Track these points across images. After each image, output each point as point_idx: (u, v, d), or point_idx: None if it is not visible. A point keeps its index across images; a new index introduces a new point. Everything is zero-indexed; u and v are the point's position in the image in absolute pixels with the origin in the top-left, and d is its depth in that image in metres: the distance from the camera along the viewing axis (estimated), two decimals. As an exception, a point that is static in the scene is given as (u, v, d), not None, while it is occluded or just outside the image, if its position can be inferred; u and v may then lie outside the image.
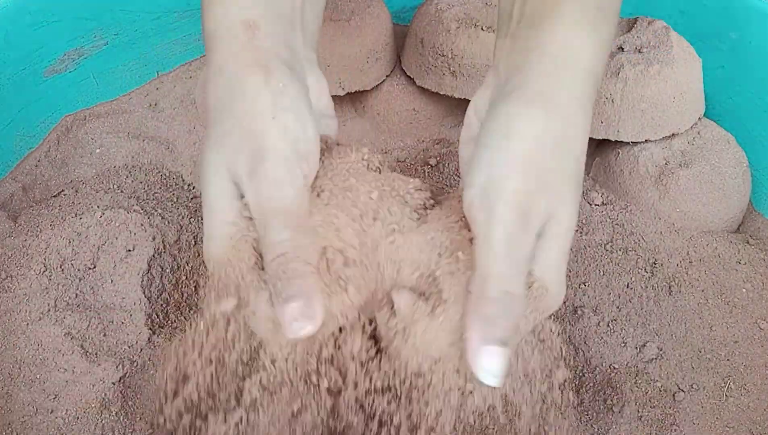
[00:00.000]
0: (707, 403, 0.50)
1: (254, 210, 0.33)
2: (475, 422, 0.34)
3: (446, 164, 0.66)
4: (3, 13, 0.60)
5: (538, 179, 0.33)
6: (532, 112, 0.34)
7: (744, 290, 0.55)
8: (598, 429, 0.49)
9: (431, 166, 0.66)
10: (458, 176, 0.64)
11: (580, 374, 0.51)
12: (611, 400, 0.50)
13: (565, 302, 0.55)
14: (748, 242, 0.59)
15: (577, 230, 0.58)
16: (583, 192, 0.62)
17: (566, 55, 0.35)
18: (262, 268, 0.33)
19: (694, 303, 0.54)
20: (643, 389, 0.50)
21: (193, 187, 0.64)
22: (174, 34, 0.73)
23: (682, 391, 0.50)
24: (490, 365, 0.31)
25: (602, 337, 0.53)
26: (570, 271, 0.57)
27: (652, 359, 0.52)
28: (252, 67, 0.34)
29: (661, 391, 0.50)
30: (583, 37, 0.36)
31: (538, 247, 0.33)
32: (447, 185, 0.64)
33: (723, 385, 0.51)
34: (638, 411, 0.49)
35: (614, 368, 0.52)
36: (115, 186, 0.62)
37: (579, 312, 0.54)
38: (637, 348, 0.52)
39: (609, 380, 0.51)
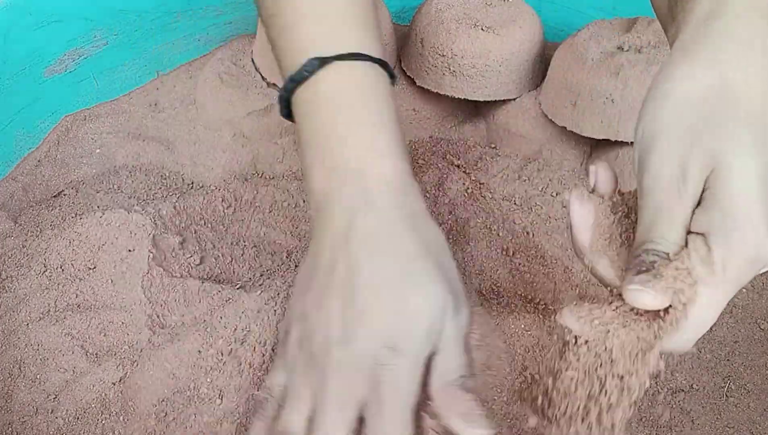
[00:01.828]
0: (707, 403, 0.50)
1: None
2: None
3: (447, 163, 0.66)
4: (3, 13, 0.60)
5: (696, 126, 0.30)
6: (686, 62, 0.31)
7: (744, 290, 0.55)
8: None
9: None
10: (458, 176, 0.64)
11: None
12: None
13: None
14: (748, 242, 0.59)
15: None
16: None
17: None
18: None
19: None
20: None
21: (193, 187, 0.63)
22: (174, 34, 0.73)
23: (682, 391, 0.50)
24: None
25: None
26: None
27: (652, 359, 0.52)
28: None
29: (661, 391, 0.50)
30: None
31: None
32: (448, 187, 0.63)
33: (723, 385, 0.51)
34: (638, 411, 0.49)
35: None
36: (115, 186, 0.62)
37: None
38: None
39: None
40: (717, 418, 0.49)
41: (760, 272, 0.30)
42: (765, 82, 0.31)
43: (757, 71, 0.31)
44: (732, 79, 0.31)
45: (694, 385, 0.50)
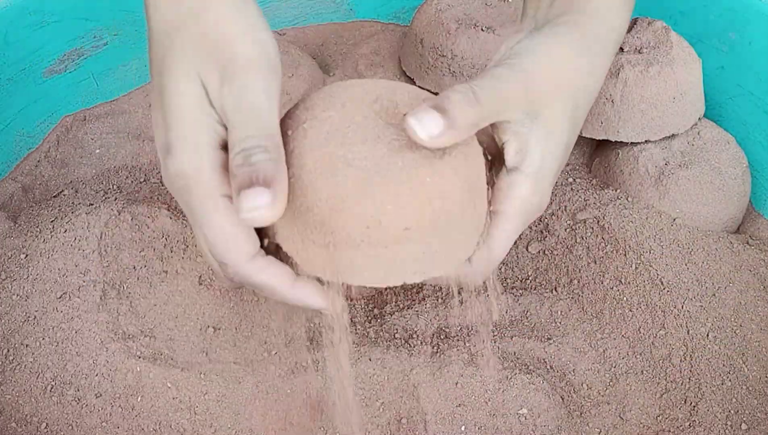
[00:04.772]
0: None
1: (228, 114, 0.33)
2: None
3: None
4: (3, 13, 0.60)
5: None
6: (567, 44, 0.38)
7: (744, 291, 0.55)
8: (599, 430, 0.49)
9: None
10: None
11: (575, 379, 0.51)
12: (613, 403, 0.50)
13: (559, 301, 0.55)
14: (748, 243, 0.58)
15: (573, 229, 0.58)
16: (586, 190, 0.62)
17: (607, 15, 0.39)
18: None
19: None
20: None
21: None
22: (174, 34, 0.73)
23: (682, 391, 0.50)
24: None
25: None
26: (566, 268, 0.57)
27: (652, 360, 0.52)
28: None
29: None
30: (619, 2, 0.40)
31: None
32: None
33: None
34: (638, 417, 0.50)
35: (604, 372, 0.52)
36: (115, 186, 0.62)
37: (573, 311, 0.54)
38: (636, 348, 0.52)
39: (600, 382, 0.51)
40: (717, 418, 0.49)
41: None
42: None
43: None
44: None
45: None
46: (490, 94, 0.34)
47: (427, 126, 0.32)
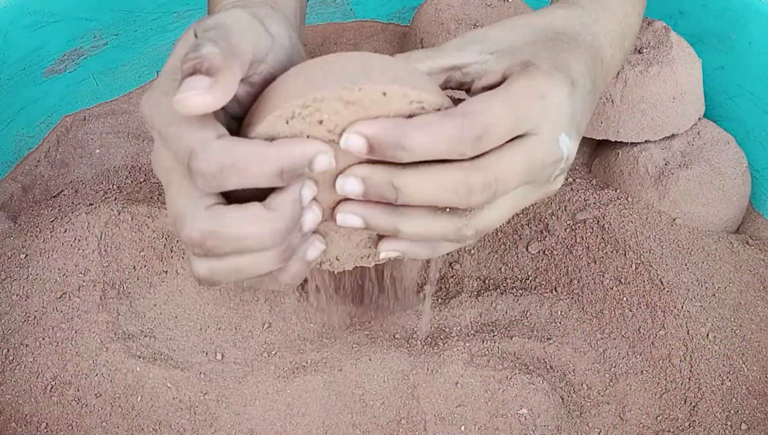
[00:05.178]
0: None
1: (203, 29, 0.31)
2: None
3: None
4: (3, 13, 0.60)
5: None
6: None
7: (744, 291, 0.55)
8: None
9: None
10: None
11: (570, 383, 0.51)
12: (611, 404, 0.50)
13: (559, 301, 0.55)
14: (747, 243, 0.59)
15: (573, 229, 0.58)
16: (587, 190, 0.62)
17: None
18: None
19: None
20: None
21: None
22: (174, 34, 0.73)
23: (682, 391, 0.50)
24: None
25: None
26: (566, 269, 0.57)
27: (652, 360, 0.52)
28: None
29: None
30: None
31: None
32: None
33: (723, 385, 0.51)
34: (638, 417, 0.50)
35: (605, 372, 0.52)
36: (115, 186, 0.62)
37: (572, 312, 0.54)
38: (636, 348, 0.52)
39: (599, 382, 0.51)
40: (717, 418, 0.49)
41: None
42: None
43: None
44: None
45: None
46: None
47: None
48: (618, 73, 0.59)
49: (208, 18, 0.32)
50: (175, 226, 0.31)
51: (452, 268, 0.57)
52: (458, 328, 0.52)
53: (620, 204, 0.59)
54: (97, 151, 0.66)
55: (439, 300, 0.54)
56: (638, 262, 0.55)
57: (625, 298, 0.54)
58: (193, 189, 0.30)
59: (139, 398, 0.46)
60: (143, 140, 0.67)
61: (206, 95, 0.27)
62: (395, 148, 0.30)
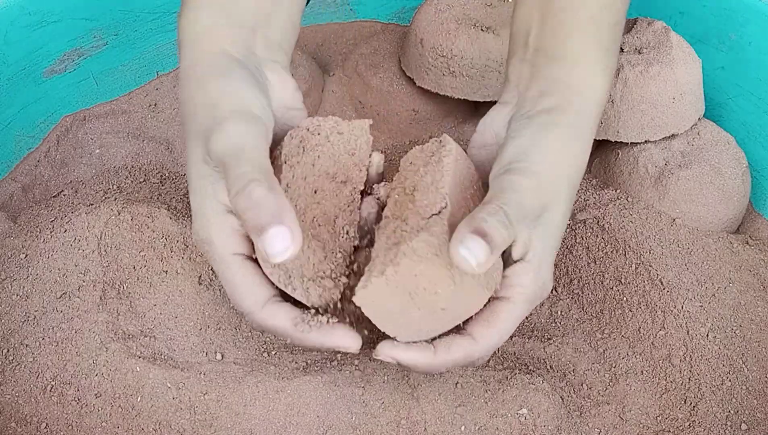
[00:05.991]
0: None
1: (221, 159, 0.36)
2: None
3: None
4: (3, 13, 0.60)
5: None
6: (564, 134, 0.41)
7: (744, 291, 0.55)
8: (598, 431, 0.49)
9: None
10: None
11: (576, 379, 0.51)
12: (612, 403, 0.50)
13: (560, 302, 0.55)
14: (747, 243, 0.59)
15: (573, 229, 0.58)
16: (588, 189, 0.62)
17: (588, 93, 0.43)
18: None
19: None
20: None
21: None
22: (174, 34, 0.72)
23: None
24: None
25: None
26: (566, 268, 0.57)
27: (652, 360, 0.52)
28: (211, 71, 0.40)
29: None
30: (599, 76, 0.43)
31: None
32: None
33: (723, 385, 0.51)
34: (638, 417, 0.50)
35: (604, 371, 0.52)
36: (115, 186, 0.62)
37: (573, 312, 0.54)
38: (636, 348, 0.52)
39: (600, 382, 0.51)
40: (717, 419, 0.49)
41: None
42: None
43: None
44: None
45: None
46: (517, 211, 0.37)
47: (476, 253, 0.33)
48: (618, 73, 0.59)
49: (214, 140, 0.37)
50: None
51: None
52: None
53: (620, 204, 0.59)
54: (97, 151, 0.66)
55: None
56: (638, 262, 0.55)
57: (625, 298, 0.54)
58: (243, 293, 0.39)
59: (139, 398, 0.46)
60: (143, 140, 0.67)
61: (295, 245, 0.33)
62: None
